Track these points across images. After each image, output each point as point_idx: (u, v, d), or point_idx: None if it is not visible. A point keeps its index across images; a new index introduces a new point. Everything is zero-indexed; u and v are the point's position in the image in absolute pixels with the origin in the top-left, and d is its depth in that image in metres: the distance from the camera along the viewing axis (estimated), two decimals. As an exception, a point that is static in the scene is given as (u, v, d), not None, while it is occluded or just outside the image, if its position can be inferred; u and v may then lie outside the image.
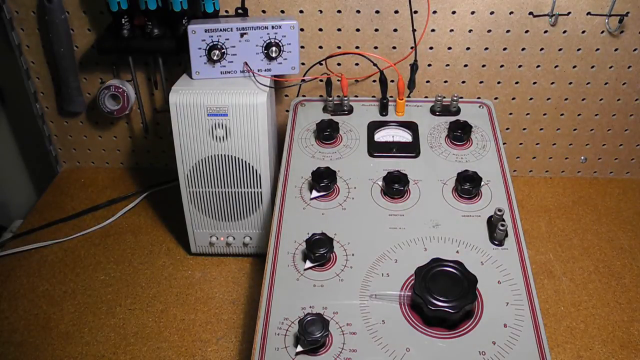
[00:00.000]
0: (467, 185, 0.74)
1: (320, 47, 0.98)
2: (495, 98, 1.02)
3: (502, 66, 0.98)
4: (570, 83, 0.99)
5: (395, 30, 0.96)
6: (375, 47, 0.98)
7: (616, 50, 0.95)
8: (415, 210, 0.74)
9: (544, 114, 1.03)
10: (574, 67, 0.98)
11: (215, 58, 0.84)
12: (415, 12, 0.92)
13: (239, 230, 0.92)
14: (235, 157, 0.85)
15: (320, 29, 0.97)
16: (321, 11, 0.95)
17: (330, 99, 0.88)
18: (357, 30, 0.96)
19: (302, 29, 0.96)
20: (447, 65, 0.99)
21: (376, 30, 0.96)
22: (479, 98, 0.99)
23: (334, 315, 0.62)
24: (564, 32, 0.94)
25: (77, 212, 1.04)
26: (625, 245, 0.95)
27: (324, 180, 0.75)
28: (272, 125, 0.89)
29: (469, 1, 0.93)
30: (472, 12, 0.94)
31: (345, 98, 0.88)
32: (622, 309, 0.84)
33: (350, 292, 0.64)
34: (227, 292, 0.89)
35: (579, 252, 0.94)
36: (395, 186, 0.74)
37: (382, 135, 0.85)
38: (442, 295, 0.59)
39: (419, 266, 0.63)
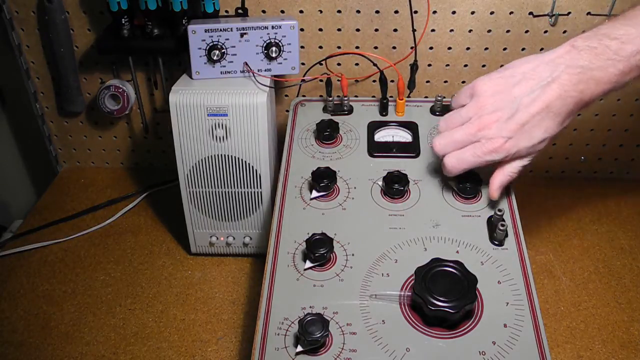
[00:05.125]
0: (467, 185, 0.74)
1: (320, 47, 0.98)
2: (495, 98, 1.02)
3: (502, 66, 0.98)
4: (570, 83, 0.99)
5: (395, 30, 0.96)
6: (375, 47, 0.98)
7: (616, 50, 0.95)
8: (415, 210, 0.74)
9: (544, 114, 1.03)
10: (574, 67, 0.97)
11: (215, 58, 0.84)
12: (415, 12, 0.92)
13: (239, 230, 0.92)
14: (235, 157, 0.85)
15: (320, 29, 0.97)
16: (321, 11, 0.95)
17: (330, 99, 0.88)
18: (357, 30, 0.96)
19: (302, 29, 0.96)
20: (447, 65, 0.99)
21: (376, 30, 0.96)
22: (479, 98, 0.99)
23: (334, 315, 0.62)
24: (564, 32, 0.94)
25: (77, 212, 1.04)
26: (625, 245, 0.95)
27: (324, 180, 0.75)
28: (272, 125, 0.89)
29: (469, 1, 0.93)
30: (472, 12, 0.94)
31: (345, 98, 0.88)
32: (622, 309, 0.84)
33: (350, 292, 0.64)
34: (227, 292, 0.89)
35: (579, 252, 0.94)
36: (395, 186, 0.74)
37: (382, 135, 0.85)
38: (442, 295, 0.59)
39: (419, 266, 0.63)
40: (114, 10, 0.87)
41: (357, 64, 1.00)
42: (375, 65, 0.87)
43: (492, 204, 0.73)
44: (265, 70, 0.87)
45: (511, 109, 0.65)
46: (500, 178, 0.70)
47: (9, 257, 0.96)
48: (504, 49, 0.97)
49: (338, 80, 0.88)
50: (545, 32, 0.95)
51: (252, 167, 0.86)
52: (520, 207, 0.73)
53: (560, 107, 0.64)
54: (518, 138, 0.66)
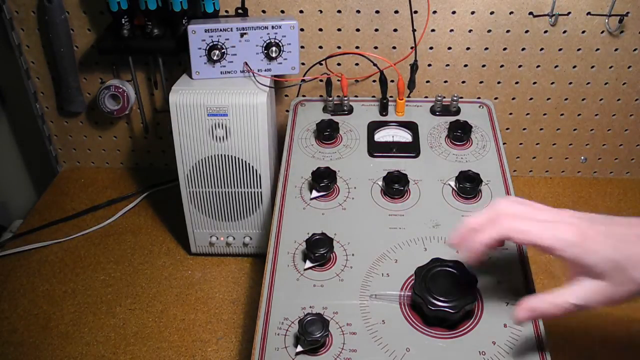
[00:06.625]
0: (467, 185, 0.74)
1: (320, 47, 0.98)
2: (495, 98, 1.02)
3: (502, 66, 0.98)
4: (570, 83, 0.99)
5: (395, 30, 0.96)
6: (375, 47, 0.98)
7: (616, 50, 0.95)
8: (415, 210, 0.74)
9: (544, 114, 1.03)
10: (574, 67, 0.98)
11: (215, 58, 0.84)
12: (415, 12, 0.92)
13: (239, 230, 0.92)
14: (235, 157, 0.85)
15: (320, 29, 0.97)
16: (321, 11, 0.95)
17: (330, 99, 0.88)
18: (357, 30, 0.96)
19: (302, 29, 0.96)
20: (447, 65, 0.99)
21: (376, 30, 0.96)
22: (479, 98, 0.99)
23: (334, 315, 0.62)
24: (564, 32, 0.94)
25: (77, 212, 1.04)
26: (625, 245, 0.95)
27: (324, 180, 0.75)
28: (272, 125, 0.89)
29: (469, 1, 0.93)
30: (472, 12, 0.94)
31: (345, 98, 0.88)
32: (622, 309, 0.84)
33: (350, 292, 0.64)
34: (227, 292, 0.89)
35: (579, 252, 0.93)
36: (395, 186, 0.74)
37: (382, 135, 0.85)
38: (442, 295, 0.59)
39: (419, 266, 0.63)
40: (114, 10, 0.87)
41: (357, 64, 1.00)
42: (375, 65, 0.87)
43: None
44: (265, 70, 0.87)
45: None
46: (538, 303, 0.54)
47: (9, 257, 0.96)
48: (504, 49, 0.97)
49: (338, 80, 0.88)
50: (545, 32, 0.95)
51: (252, 167, 0.86)
52: (520, 207, 0.73)
53: None
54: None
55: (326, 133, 0.83)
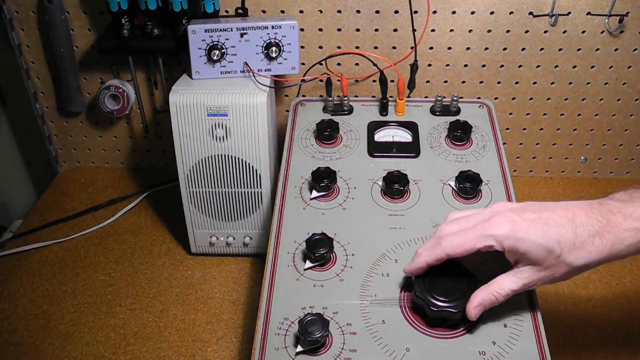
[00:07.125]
0: (467, 185, 0.74)
1: (320, 47, 0.98)
2: (495, 98, 1.02)
3: (502, 66, 0.98)
4: (570, 83, 0.99)
5: (395, 30, 0.96)
6: (375, 47, 0.98)
7: (616, 50, 0.95)
8: (415, 210, 0.74)
9: (544, 114, 1.03)
10: (574, 67, 0.98)
11: (215, 58, 0.84)
12: (415, 12, 0.92)
13: (239, 230, 0.92)
14: (235, 157, 0.85)
15: (320, 29, 0.97)
16: (321, 11, 0.95)
17: (330, 99, 0.88)
18: (357, 30, 0.96)
19: (302, 29, 0.96)
20: (447, 65, 0.99)
21: (376, 30, 0.96)
22: (479, 98, 0.99)
23: (334, 315, 0.62)
24: (564, 32, 0.94)
25: (77, 212, 1.04)
26: (625, 245, 0.95)
27: (324, 180, 0.75)
28: (272, 125, 0.89)
29: (469, 1, 0.93)
30: (472, 12, 0.94)
31: (345, 98, 0.88)
32: (622, 309, 0.84)
33: (350, 292, 0.64)
34: (227, 292, 0.89)
35: (579, 252, 0.93)
36: (395, 186, 0.74)
37: (382, 135, 0.85)
38: (443, 296, 0.59)
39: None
40: (114, 10, 0.87)
41: (357, 64, 1.00)
42: (375, 65, 0.87)
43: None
44: (265, 70, 0.87)
45: None
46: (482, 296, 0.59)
47: (9, 257, 0.96)
48: (504, 49, 0.97)
49: (338, 80, 0.88)
50: (545, 32, 0.95)
51: (252, 167, 0.86)
52: (520, 207, 0.73)
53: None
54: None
55: (326, 133, 0.83)
